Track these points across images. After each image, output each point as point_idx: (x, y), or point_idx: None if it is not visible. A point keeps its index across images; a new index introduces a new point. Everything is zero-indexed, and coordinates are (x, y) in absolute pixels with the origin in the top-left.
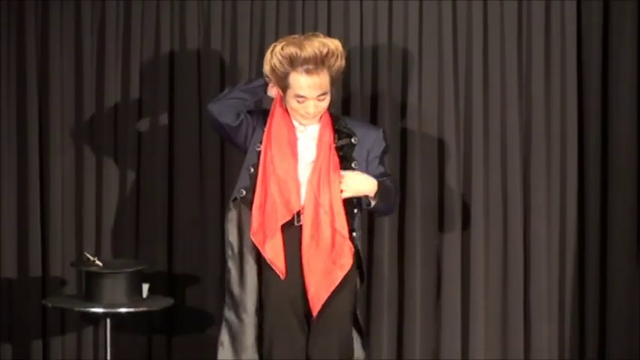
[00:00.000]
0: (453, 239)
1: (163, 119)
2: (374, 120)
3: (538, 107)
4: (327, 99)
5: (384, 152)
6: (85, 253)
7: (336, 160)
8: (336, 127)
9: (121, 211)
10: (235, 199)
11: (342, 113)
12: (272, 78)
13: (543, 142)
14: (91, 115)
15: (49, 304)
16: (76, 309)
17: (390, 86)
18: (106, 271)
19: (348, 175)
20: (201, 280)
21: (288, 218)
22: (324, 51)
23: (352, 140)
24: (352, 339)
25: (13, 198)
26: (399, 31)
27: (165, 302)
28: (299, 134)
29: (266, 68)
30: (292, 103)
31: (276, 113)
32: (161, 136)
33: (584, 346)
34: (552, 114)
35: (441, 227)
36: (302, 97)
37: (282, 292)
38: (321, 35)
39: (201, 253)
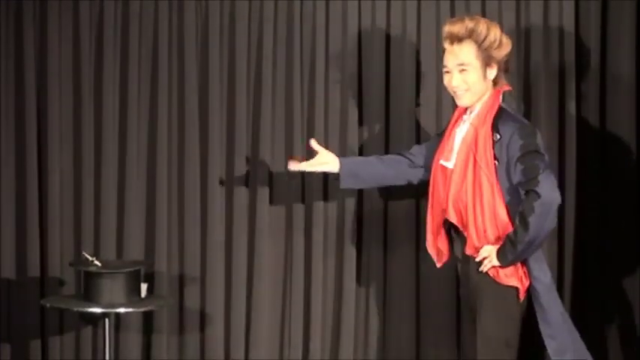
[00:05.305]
0: None
1: (163, 119)
2: None
3: (537, 107)
4: (472, 73)
5: (524, 151)
6: (84, 253)
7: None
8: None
9: (120, 211)
10: None
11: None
12: None
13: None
14: (89, 114)
15: (48, 305)
16: (75, 309)
17: (390, 88)
18: (104, 271)
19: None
20: (201, 280)
21: (441, 218)
22: (471, 24)
23: (494, 137)
24: None
25: (11, 198)
26: (398, 31)
27: (165, 302)
28: (463, 126)
29: None
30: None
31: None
32: (161, 135)
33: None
34: (551, 114)
35: None
36: (444, 66)
37: None
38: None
39: (201, 253)
